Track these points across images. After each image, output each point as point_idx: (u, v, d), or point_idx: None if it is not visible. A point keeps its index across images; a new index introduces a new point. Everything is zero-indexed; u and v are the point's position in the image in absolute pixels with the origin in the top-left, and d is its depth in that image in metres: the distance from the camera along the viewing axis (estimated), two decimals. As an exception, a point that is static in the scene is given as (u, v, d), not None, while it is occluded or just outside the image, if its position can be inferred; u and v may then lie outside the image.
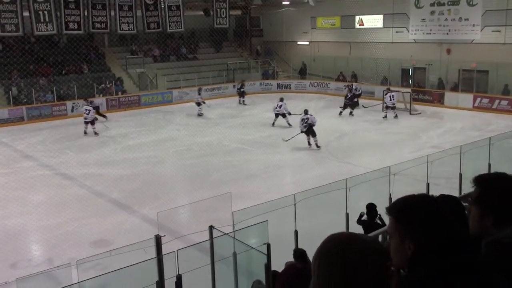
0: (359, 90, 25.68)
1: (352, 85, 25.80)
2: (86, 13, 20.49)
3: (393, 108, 22.69)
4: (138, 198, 12.91)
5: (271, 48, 35.81)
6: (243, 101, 27.82)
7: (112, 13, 21.27)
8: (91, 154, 17.28)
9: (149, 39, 31.03)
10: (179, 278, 6.18)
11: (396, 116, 22.60)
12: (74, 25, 20.39)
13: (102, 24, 21.13)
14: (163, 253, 6.32)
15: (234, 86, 30.86)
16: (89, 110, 20.82)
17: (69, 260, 7.76)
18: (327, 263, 1.44)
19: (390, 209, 1.80)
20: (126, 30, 22.30)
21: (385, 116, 22.56)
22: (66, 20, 20.04)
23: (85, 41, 28.74)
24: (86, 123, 20.57)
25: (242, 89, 28.02)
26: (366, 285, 1.41)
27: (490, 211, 2.08)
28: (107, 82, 27.51)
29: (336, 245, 1.47)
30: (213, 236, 6.96)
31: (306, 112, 18.05)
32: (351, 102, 23.97)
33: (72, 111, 25.07)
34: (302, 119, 17.74)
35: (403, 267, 1.69)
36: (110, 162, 16.27)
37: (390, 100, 22.59)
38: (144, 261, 6.08)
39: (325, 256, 1.45)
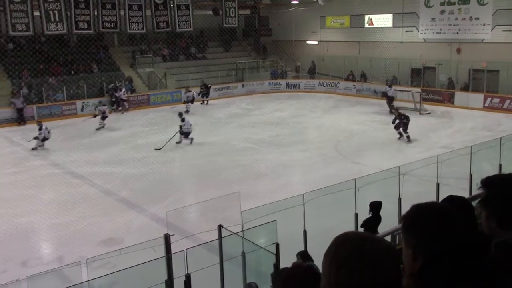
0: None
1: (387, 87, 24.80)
2: (96, 13, 20.61)
3: None
4: (147, 197, 12.95)
5: (260, 41, 35.80)
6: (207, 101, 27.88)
7: (122, 13, 21.38)
8: (100, 153, 17.37)
9: (159, 38, 31.12)
10: (188, 277, 6.20)
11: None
12: (84, 24, 20.51)
13: (112, 23, 21.24)
14: (172, 252, 6.35)
15: (243, 86, 30.89)
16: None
17: (79, 259, 7.80)
18: (346, 262, 1.42)
19: (403, 219, 1.78)
20: (135, 30, 22.41)
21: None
22: (76, 19, 20.17)
23: (95, 41, 28.87)
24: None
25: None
26: (386, 284, 1.40)
27: (493, 213, 2.08)
28: (116, 82, 27.62)
29: (353, 246, 1.45)
30: (222, 236, 6.98)
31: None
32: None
33: (81, 110, 25.22)
34: None
35: (412, 275, 1.68)
36: (119, 161, 16.33)
37: None
38: (153, 260, 6.11)
39: (343, 258, 1.43)
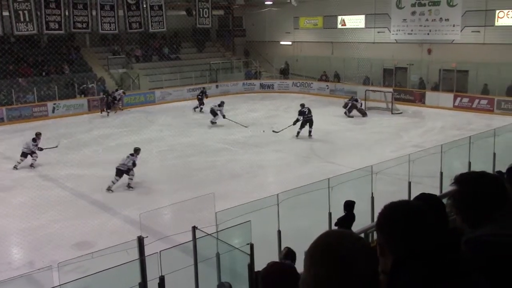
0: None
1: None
2: (67, 13, 20.29)
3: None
4: (121, 199, 12.81)
5: (228, 38, 35.96)
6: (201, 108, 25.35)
7: (94, 13, 21.08)
8: (72, 155, 17.08)
9: (131, 39, 30.83)
10: (162, 280, 6.15)
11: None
12: (55, 25, 20.17)
13: (84, 24, 20.94)
14: (145, 255, 6.28)
15: (217, 86, 30.84)
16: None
17: (50, 263, 7.65)
18: (320, 258, 1.44)
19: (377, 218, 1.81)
20: (107, 30, 22.14)
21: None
22: (47, 20, 19.82)
23: (66, 41, 28.45)
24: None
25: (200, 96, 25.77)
26: (358, 282, 1.41)
27: (463, 210, 2.12)
28: (88, 83, 27.26)
29: (330, 241, 1.47)
30: (196, 237, 6.94)
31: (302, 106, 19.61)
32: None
33: (53, 111, 24.78)
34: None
35: (384, 272, 1.70)
36: (92, 163, 16.12)
37: None
38: (127, 262, 6.04)
39: (319, 251, 1.45)
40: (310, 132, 19.26)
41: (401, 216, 1.72)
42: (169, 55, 32.41)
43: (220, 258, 7.16)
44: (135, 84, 28.94)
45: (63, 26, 20.36)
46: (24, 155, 15.86)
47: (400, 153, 14.73)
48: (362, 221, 8.69)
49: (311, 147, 18.06)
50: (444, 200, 2.89)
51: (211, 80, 31.52)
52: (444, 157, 11.49)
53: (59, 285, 5.81)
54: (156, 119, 24.06)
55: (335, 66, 30.38)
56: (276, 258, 7.82)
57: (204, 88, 26.98)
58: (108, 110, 25.22)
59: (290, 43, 34.13)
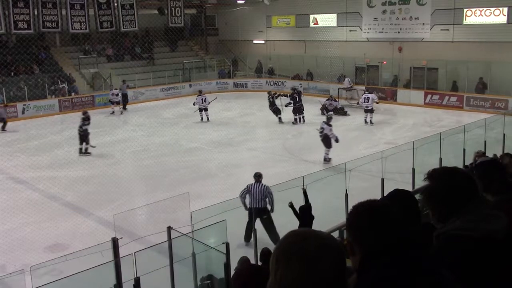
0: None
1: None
2: (36, 12, 19.93)
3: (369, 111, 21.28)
4: (94, 200, 12.65)
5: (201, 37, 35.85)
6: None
7: (64, 12, 20.77)
8: (43, 156, 16.81)
9: (103, 38, 30.44)
10: (137, 281, 6.10)
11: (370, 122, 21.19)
12: (23, 24, 19.80)
13: (53, 23, 20.59)
14: (120, 256, 6.23)
15: (190, 86, 30.72)
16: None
17: (23, 267, 7.54)
18: (284, 259, 1.43)
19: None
20: (78, 29, 21.83)
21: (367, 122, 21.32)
22: (15, 19, 19.45)
23: (36, 41, 27.93)
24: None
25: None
26: (323, 281, 1.41)
27: (435, 205, 2.17)
28: (59, 83, 26.82)
29: (293, 241, 1.46)
30: (172, 237, 6.91)
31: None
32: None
33: (23, 113, 24.30)
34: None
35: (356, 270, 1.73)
36: (63, 164, 15.86)
37: (365, 102, 21.28)
38: (101, 264, 5.98)
39: (282, 252, 1.45)
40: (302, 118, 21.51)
41: (366, 213, 1.76)
42: (141, 55, 32.13)
43: (196, 258, 7.14)
44: (107, 84, 28.58)
45: (32, 25, 19.99)
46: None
47: (373, 150, 14.91)
48: (336, 219, 8.77)
49: (285, 145, 18.14)
50: (417, 196, 2.95)
51: (184, 80, 31.37)
52: (416, 153, 11.68)
53: (32, 288, 5.72)
54: (129, 119, 23.83)
55: (308, 65, 30.56)
56: (252, 257, 7.85)
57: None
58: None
59: (263, 42, 34.18)
